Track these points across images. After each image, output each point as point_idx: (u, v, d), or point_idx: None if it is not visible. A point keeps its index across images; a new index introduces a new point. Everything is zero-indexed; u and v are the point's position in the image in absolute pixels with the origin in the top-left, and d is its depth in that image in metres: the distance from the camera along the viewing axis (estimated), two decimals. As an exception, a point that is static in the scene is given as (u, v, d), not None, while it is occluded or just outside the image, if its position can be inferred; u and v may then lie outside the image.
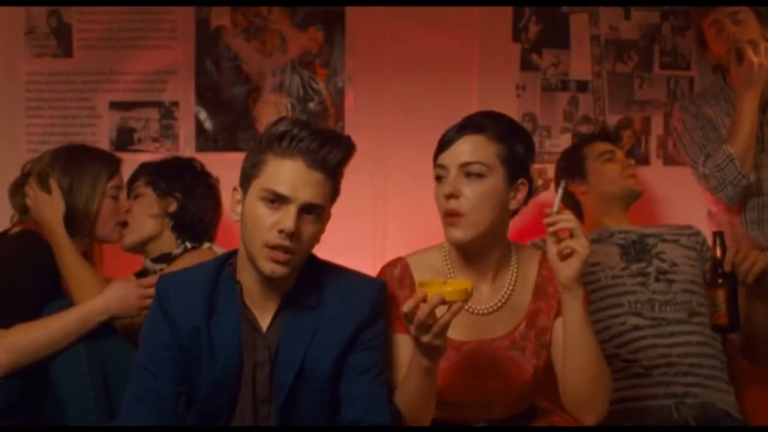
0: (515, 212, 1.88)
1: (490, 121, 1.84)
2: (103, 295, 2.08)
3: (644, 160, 2.93)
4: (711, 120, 2.61)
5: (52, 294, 2.13)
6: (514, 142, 1.83)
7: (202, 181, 2.44)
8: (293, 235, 1.65)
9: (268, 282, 1.71)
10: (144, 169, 2.45)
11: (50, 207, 2.19)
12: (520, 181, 1.83)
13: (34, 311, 2.06)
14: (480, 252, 1.85)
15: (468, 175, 1.79)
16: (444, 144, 1.84)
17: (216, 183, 2.47)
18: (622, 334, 2.25)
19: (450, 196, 1.79)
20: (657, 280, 2.30)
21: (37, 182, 2.22)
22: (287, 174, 1.65)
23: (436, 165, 1.85)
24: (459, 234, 1.80)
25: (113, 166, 2.30)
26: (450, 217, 1.80)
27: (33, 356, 2.01)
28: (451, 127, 1.85)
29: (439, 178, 1.84)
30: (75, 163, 2.24)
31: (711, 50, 2.66)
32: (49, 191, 2.20)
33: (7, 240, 2.20)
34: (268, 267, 1.66)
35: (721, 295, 2.06)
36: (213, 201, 2.45)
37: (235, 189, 1.74)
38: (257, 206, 1.67)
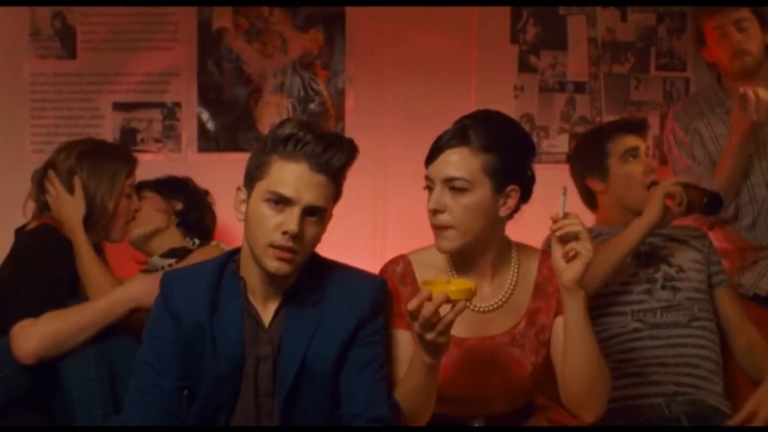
0: (512, 215, 1.87)
1: (481, 127, 1.81)
2: (127, 285, 2.12)
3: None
4: (700, 134, 2.61)
5: (74, 289, 2.16)
6: (503, 150, 1.80)
7: (200, 192, 2.51)
8: (296, 237, 1.68)
9: (271, 279, 1.74)
10: (144, 182, 2.47)
11: (72, 208, 2.20)
12: (510, 188, 1.81)
13: (61, 306, 2.08)
14: (474, 254, 1.87)
15: (452, 189, 1.80)
16: (432, 154, 1.83)
17: (212, 200, 2.53)
18: (620, 335, 2.27)
19: (435, 212, 1.81)
20: (663, 287, 2.30)
21: (62, 179, 2.22)
22: (291, 177, 1.68)
23: (426, 175, 1.85)
24: (446, 244, 1.82)
25: (131, 165, 2.32)
26: (437, 229, 1.83)
27: (61, 345, 2.02)
28: (445, 131, 1.84)
29: (428, 188, 1.85)
30: (100, 162, 2.25)
31: (710, 51, 2.64)
32: (71, 190, 2.21)
33: (28, 235, 2.21)
34: (274, 265, 1.69)
35: None
36: (211, 211, 2.52)
37: (239, 189, 1.76)
38: (261, 207, 1.69)
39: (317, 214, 1.71)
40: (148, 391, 1.74)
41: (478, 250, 1.86)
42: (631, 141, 2.39)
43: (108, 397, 2.06)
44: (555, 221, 1.76)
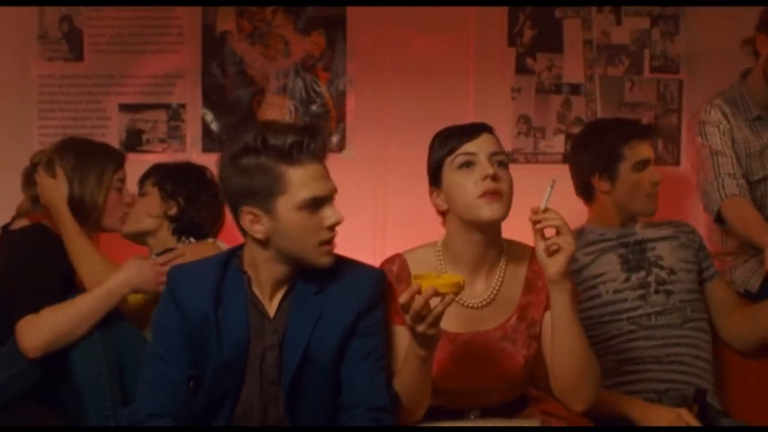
0: None
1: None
2: (123, 270, 2.16)
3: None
4: (732, 131, 2.63)
5: (69, 287, 2.20)
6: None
7: (208, 190, 2.48)
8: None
9: (288, 274, 1.81)
10: (155, 169, 2.51)
11: (55, 189, 2.26)
12: None
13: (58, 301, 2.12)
14: (485, 244, 1.90)
15: (497, 163, 1.86)
16: (470, 133, 1.88)
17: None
18: (615, 337, 2.29)
19: (494, 177, 1.83)
20: (656, 291, 2.31)
21: (45, 169, 2.29)
22: (311, 177, 1.75)
23: (460, 153, 1.87)
24: (498, 209, 1.83)
25: (118, 159, 2.37)
26: (492, 195, 1.83)
27: (65, 336, 2.06)
28: (453, 128, 1.92)
29: (467, 164, 1.86)
30: (81, 152, 2.32)
31: None
32: (54, 176, 2.27)
33: (20, 234, 2.25)
34: (326, 260, 1.78)
35: None
36: (215, 210, 2.49)
37: (243, 212, 1.77)
38: (299, 216, 1.74)
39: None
40: (158, 381, 1.79)
41: (495, 236, 1.92)
42: (645, 151, 2.36)
43: (117, 390, 2.10)
44: (535, 212, 1.80)
